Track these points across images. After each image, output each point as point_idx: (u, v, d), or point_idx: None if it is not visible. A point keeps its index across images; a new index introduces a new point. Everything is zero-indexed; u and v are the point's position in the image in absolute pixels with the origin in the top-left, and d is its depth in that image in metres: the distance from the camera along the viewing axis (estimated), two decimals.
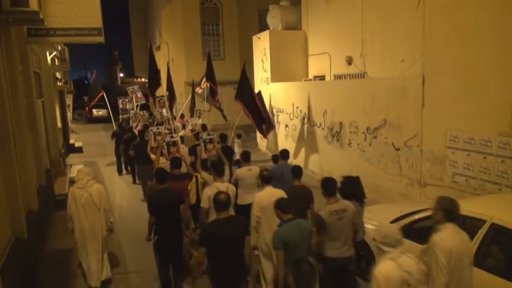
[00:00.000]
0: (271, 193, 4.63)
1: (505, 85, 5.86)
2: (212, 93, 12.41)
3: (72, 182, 9.92)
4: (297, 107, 12.04)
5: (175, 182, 5.33)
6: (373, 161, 8.68)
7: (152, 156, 7.37)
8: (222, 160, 6.14)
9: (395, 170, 8.08)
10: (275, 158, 6.87)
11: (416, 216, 4.92)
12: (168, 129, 10.10)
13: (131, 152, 9.40)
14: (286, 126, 12.87)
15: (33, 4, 5.66)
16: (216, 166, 5.43)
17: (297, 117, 12.11)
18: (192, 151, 7.82)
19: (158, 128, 8.38)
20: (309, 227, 4.10)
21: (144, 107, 16.51)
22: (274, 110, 13.67)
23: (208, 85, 12.31)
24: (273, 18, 14.25)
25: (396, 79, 8.33)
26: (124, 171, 12.08)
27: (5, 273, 4.17)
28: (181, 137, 9.16)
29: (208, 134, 7.53)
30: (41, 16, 5.98)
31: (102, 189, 5.49)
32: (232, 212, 4.34)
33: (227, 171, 6.18)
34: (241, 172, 5.98)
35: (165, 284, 5.02)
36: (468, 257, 3.32)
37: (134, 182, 10.78)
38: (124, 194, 9.95)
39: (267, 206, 4.48)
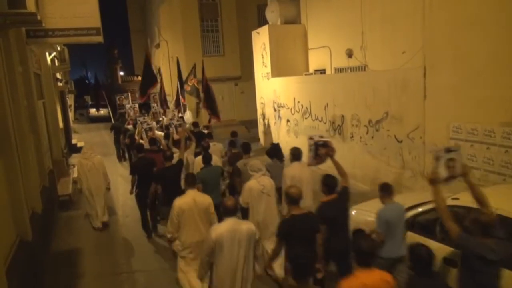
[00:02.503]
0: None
1: (508, 75, 5.81)
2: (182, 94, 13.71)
3: (75, 182, 10.10)
4: (298, 102, 11.99)
5: (152, 154, 7.51)
6: (376, 154, 8.66)
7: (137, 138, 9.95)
8: (191, 138, 8.34)
9: (398, 162, 8.05)
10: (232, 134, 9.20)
11: (420, 209, 4.90)
12: (157, 120, 12.14)
13: (127, 140, 11.21)
14: (288, 120, 12.83)
15: (31, 6, 5.61)
16: (176, 144, 8.05)
17: (298, 112, 12.07)
18: (166, 136, 10.00)
19: (144, 119, 10.86)
20: (219, 172, 6.41)
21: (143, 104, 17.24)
22: (275, 105, 13.62)
23: (195, 84, 12.85)
24: (272, 12, 14.15)
25: (397, 71, 8.28)
26: (122, 160, 13.37)
27: (10, 275, 4.18)
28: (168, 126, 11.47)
29: (178, 121, 10.28)
30: (38, 18, 5.95)
31: (101, 159, 7.90)
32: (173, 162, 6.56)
33: (192, 147, 8.34)
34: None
35: (144, 220, 7.18)
36: (305, 179, 5.66)
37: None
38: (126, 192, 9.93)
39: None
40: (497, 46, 5.95)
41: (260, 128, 15.29)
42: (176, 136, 9.22)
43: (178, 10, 18.38)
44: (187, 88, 13.84)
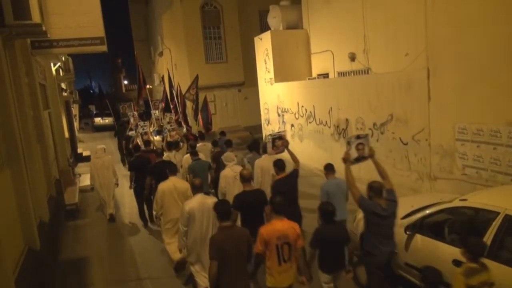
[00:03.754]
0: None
1: None
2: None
3: (82, 191, 10.25)
4: (302, 106, 12.00)
5: (146, 154, 8.50)
6: (381, 156, 8.60)
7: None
8: (183, 140, 9.88)
9: (404, 165, 8.02)
10: (220, 133, 10.72)
11: (428, 211, 4.87)
12: (158, 126, 12.84)
13: (131, 145, 11.91)
14: (292, 125, 12.84)
15: (35, 17, 5.68)
16: (170, 145, 9.28)
17: (302, 116, 12.08)
18: (162, 139, 11.34)
19: (144, 123, 11.85)
20: (207, 165, 7.57)
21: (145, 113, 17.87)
22: (279, 110, 13.64)
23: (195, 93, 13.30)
24: (274, 18, 14.22)
25: (400, 74, 8.27)
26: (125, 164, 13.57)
27: (19, 284, 4.20)
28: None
29: (171, 125, 11.09)
30: (43, 29, 6.03)
31: (111, 159, 8.99)
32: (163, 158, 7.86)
33: (184, 148, 9.62)
34: (198, 145, 9.05)
35: (141, 210, 8.17)
36: (269, 169, 6.16)
37: None
38: (133, 200, 9.96)
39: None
40: (500, 45, 5.93)
41: (265, 133, 15.30)
42: (170, 139, 10.22)
43: (180, 18, 18.51)
44: (190, 96, 14.05)
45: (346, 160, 4.59)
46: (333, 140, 10.49)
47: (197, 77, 13.57)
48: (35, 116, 7.48)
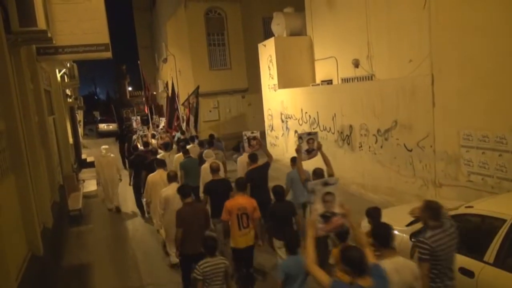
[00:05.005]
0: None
1: None
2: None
3: (85, 197, 10.27)
4: (306, 113, 11.99)
5: (144, 153, 9.46)
6: (386, 163, 8.58)
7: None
8: (172, 142, 11.06)
9: (409, 171, 7.97)
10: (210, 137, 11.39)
11: None
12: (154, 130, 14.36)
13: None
14: (296, 131, 12.80)
15: (41, 23, 5.72)
16: (164, 145, 10.31)
17: (306, 123, 12.06)
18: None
19: (143, 127, 13.03)
20: (197, 163, 8.26)
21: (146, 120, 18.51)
22: (283, 117, 13.64)
23: (194, 102, 13.70)
24: (278, 25, 14.26)
25: (404, 80, 8.25)
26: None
27: None
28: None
29: (162, 129, 12.45)
30: (49, 35, 6.06)
31: (115, 157, 10.58)
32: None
33: (175, 149, 10.39)
34: (189, 147, 9.81)
35: (138, 202, 9.18)
36: (248, 165, 7.10)
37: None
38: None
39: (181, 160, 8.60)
40: (504, 50, 5.92)
41: (268, 139, 15.28)
42: (161, 141, 11.72)
43: (184, 25, 18.60)
44: (187, 104, 14.20)
45: (298, 151, 5.74)
46: (337, 146, 10.45)
47: (197, 88, 13.69)
48: (40, 122, 7.50)
